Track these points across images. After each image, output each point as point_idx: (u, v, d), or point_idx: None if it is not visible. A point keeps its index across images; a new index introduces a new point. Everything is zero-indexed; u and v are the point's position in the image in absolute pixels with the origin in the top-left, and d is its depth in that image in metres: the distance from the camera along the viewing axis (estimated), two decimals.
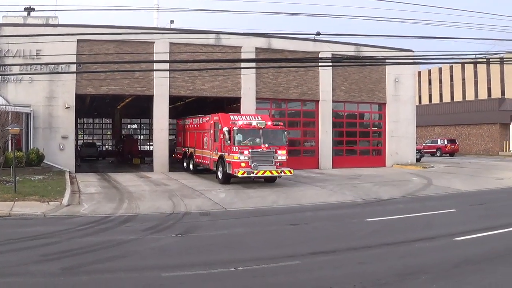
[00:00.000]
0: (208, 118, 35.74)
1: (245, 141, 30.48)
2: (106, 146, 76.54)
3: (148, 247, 15.25)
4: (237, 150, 30.05)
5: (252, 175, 29.80)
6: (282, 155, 30.81)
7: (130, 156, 54.00)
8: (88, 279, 11.78)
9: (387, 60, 39.05)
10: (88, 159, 57.45)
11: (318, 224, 19.82)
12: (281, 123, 33.83)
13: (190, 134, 39.89)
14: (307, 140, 46.33)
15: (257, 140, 30.71)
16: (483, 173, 40.81)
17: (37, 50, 36.96)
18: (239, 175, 29.58)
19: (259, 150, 30.26)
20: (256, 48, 41.65)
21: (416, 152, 51.46)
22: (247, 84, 42.00)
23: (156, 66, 35.92)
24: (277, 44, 42.46)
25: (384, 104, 47.97)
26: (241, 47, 41.17)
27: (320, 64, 39.87)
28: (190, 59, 38.68)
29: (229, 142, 30.50)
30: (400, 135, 47.81)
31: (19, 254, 14.08)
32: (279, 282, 11.84)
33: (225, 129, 30.58)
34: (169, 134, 42.27)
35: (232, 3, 32.19)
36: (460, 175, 38.73)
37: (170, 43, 39.23)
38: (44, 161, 35.88)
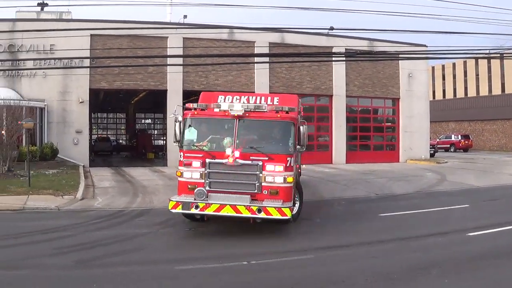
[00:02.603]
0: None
1: (201, 142, 16.71)
2: (120, 141, 76.71)
3: (162, 241, 15.37)
4: (183, 159, 16.61)
5: (195, 211, 15.69)
6: (276, 173, 15.84)
7: (144, 151, 54.15)
8: (102, 272, 11.92)
9: (400, 55, 38.88)
10: (102, 153, 57.62)
11: (331, 218, 19.79)
12: (299, 110, 19.37)
13: None
14: (320, 135, 46.04)
15: (225, 140, 16.37)
16: (497, 169, 40.52)
17: (50, 45, 37.10)
18: (171, 209, 15.90)
19: (222, 161, 15.96)
20: (270, 43, 41.45)
21: (430, 148, 51.16)
22: (261, 79, 41.85)
23: (169, 61, 35.96)
24: (290, 39, 42.26)
25: (398, 99, 47.73)
26: (254, 42, 41.04)
27: (333, 59, 39.75)
28: (204, 53, 38.71)
29: (177, 143, 17.05)
30: (414, 130, 47.56)
31: (33, 247, 14.23)
32: (292, 275, 11.84)
33: (179, 118, 17.13)
34: None
35: None
36: (474, 171, 38.41)
37: (183, 38, 39.27)
38: (58, 155, 36.05)
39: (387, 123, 49.61)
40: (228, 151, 15.77)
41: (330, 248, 14.62)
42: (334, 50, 40.79)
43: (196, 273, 11.98)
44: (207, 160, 16.09)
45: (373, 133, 48.24)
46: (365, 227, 17.75)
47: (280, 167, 15.85)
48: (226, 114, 16.24)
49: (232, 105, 16.41)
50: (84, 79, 37.84)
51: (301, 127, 16.69)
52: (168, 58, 36.29)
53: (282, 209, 15.19)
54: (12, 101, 32.14)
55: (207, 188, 15.90)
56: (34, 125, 32.00)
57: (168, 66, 37.49)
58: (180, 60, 36.87)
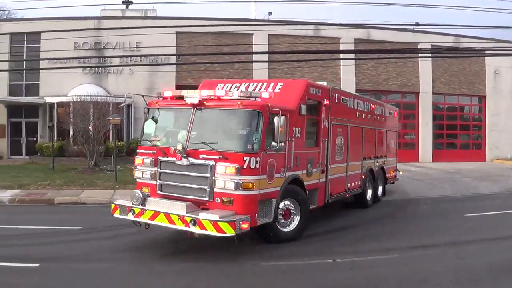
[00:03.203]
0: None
1: (158, 136, 14.48)
2: None
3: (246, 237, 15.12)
4: (138, 156, 14.50)
5: (131, 217, 13.30)
6: (227, 177, 12.64)
7: None
8: (185, 266, 12.08)
9: (486, 52, 37.72)
10: None
11: (417, 217, 19.59)
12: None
13: None
14: (407, 132, 45.06)
15: (180, 135, 13.92)
16: None
17: (136, 42, 37.70)
18: (112, 214, 13.76)
19: (170, 160, 13.51)
20: (355, 39, 40.89)
21: None
22: (346, 76, 41.32)
23: (255, 57, 35.74)
24: (376, 35, 41.59)
25: (484, 96, 46.40)
26: (339, 38, 40.42)
27: (419, 55, 38.96)
28: (289, 50, 38.30)
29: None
30: (500, 129, 46.10)
31: (116, 240, 14.51)
32: (377, 274, 11.68)
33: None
34: None
35: None
36: None
37: (268, 34, 39.08)
38: None
39: (473, 121, 48.30)
40: (179, 146, 13.11)
41: (415, 247, 14.32)
42: (420, 46, 39.83)
43: (282, 269, 12.00)
44: (159, 158, 13.72)
45: (459, 132, 47.07)
46: (450, 227, 17.42)
47: (231, 169, 12.51)
48: (183, 103, 13.70)
49: (191, 92, 13.86)
50: (171, 76, 38.15)
51: (275, 119, 12.72)
52: (253, 55, 36.13)
53: (219, 223, 11.77)
54: (99, 97, 32.55)
55: (159, 191, 13.71)
56: (121, 121, 32.27)
57: (253, 63, 37.27)
58: (265, 57, 36.64)
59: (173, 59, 37.23)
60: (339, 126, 17.71)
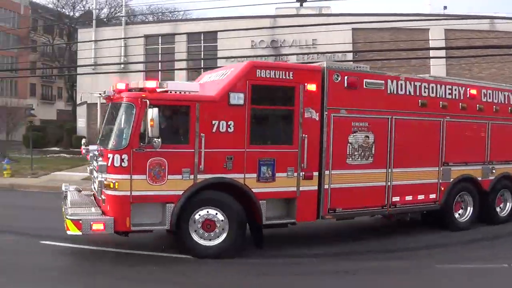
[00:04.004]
0: None
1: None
2: None
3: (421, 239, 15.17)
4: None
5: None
6: (100, 176, 11.77)
7: None
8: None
9: None
10: None
11: None
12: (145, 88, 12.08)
13: None
14: None
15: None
16: None
17: (312, 39, 38.30)
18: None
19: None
20: None
21: None
22: None
23: (431, 53, 35.46)
24: None
25: None
26: None
27: None
28: (466, 45, 37.60)
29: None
30: None
31: None
32: None
33: None
34: None
35: None
36: None
37: (444, 29, 38.55)
38: None
39: None
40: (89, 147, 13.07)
41: None
42: None
43: (456, 272, 11.78)
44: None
45: None
46: None
47: (102, 167, 11.55)
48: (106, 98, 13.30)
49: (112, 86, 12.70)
50: None
51: (149, 111, 11.09)
52: (430, 51, 35.86)
53: (66, 221, 11.43)
54: None
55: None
56: None
57: (430, 59, 36.95)
58: (442, 53, 36.19)
59: (349, 56, 37.65)
60: (357, 120, 13.77)
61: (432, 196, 15.08)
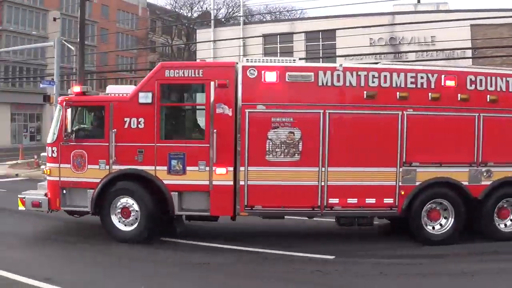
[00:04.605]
0: None
1: None
2: None
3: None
4: None
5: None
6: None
7: None
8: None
9: None
10: None
11: None
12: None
13: None
14: None
15: None
16: None
17: (431, 36, 38.42)
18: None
19: None
20: None
21: None
22: None
23: None
24: None
25: None
26: None
27: None
28: None
29: None
30: None
31: None
32: None
33: None
34: None
35: None
36: None
37: None
38: None
39: None
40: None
41: None
42: None
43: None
44: None
45: None
46: None
47: (44, 157, 15.75)
48: None
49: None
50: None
51: (68, 111, 13.52)
52: None
53: (20, 200, 14.23)
54: None
55: None
56: None
57: None
58: None
59: (468, 53, 37.50)
60: (279, 115, 13.03)
61: (388, 200, 13.22)
